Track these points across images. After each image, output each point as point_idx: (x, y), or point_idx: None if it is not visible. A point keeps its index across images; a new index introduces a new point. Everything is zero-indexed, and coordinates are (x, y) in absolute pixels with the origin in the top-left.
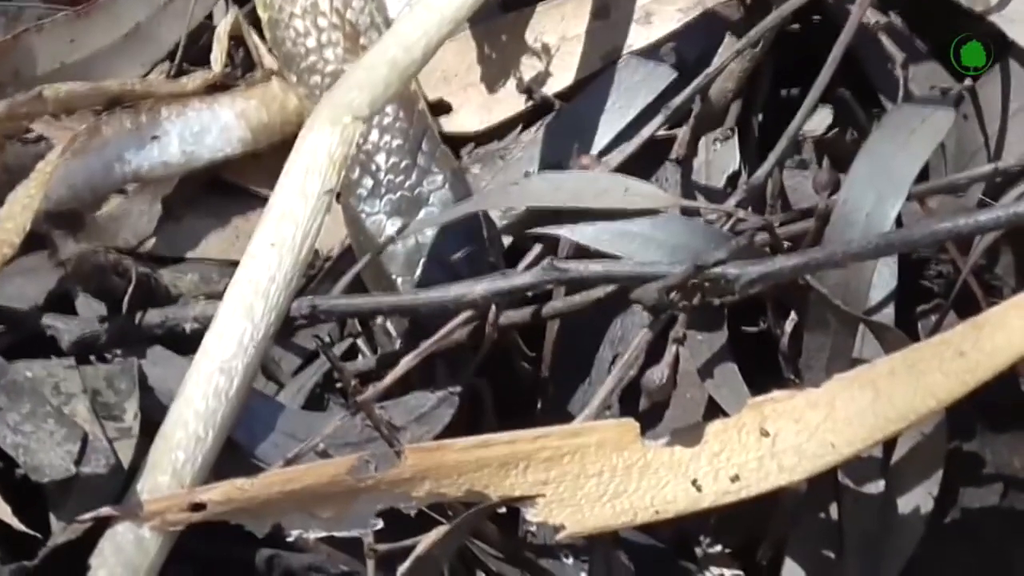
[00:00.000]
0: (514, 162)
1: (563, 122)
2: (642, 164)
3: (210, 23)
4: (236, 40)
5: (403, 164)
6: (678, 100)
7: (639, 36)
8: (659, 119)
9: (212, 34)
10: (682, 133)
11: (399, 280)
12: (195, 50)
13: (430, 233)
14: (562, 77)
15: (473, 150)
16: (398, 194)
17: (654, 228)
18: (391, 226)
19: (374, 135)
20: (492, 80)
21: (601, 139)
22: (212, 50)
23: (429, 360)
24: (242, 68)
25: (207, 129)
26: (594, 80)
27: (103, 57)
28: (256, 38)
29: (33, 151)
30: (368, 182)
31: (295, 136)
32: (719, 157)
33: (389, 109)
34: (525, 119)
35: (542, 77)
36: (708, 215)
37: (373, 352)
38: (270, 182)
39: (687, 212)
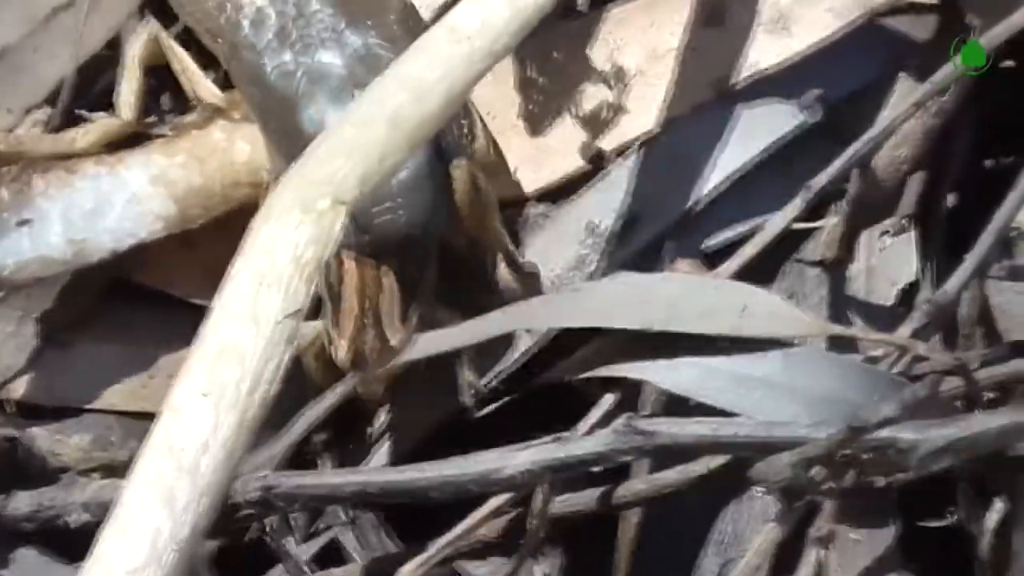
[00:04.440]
0: (549, 241)
1: (642, 187)
2: (769, 267)
3: (113, 52)
4: (155, 72)
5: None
6: (827, 173)
7: (769, 50)
8: (798, 200)
9: (118, 65)
10: (832, 222)
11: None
12: (94, 89)
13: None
14: (646, 114)
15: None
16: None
17: (787, 369)
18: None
19: None
20: (539, 120)
21: (705, 223)
22: (117, 87)
23: (445, 567)
24: (168, 111)
25: (106, 204)
26: (697, 121)
27: None
28: (187, 61)
29: None
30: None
31: (248, 205)
32: (888, 260)
33: None
34: (590, 177)
35: (614, 117)
36: (870, 349)
37: (361, 547)
38: (206, 287)
39: (837, 344)
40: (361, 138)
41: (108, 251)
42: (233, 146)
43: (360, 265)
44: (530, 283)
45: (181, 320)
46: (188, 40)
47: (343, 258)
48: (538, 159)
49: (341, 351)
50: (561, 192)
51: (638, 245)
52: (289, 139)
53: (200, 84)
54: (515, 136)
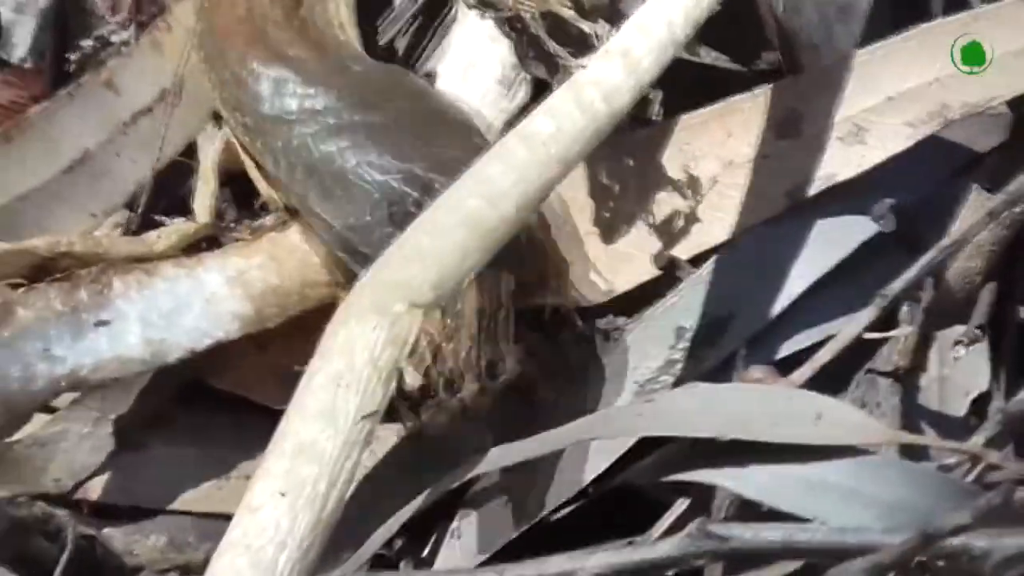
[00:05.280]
0: (635, 351)
1: (718, 296)
2: (842, 375)
3: (190, 158)
4: (232, 176)
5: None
6: (900, 282)
7: (845, 162)
8: (871, 309)
9: (195, 170)
10: (905, 331)
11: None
12: (172, 193)
13: None
14: (721, 223)
15: (577, 331)
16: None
17: (860, 476)
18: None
19: None
20: (613, 227)
21: (779, 330)
22: (194, 190)
23: None
24: (245, 214)
25: (185, 305)
26: (772, 230)
27: (33, 203)
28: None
29: None
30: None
31: (323, 306)
32: (960, 370)
33: None
34: (664, 286)
35: (688, 226)
36: (943, 458)
37: None
38: (282, 389)
39: (910, 453)
40: (436, 243)
41: (185, 351)
42: (310, 246)
43: (480, 279)
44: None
45: (256, 423)
46: None
47: None
48: (611, 266)
49: (456, 362)
50: (634, 301)
51: (721, 352)
52: (341, 194)
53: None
54: (588, 242)
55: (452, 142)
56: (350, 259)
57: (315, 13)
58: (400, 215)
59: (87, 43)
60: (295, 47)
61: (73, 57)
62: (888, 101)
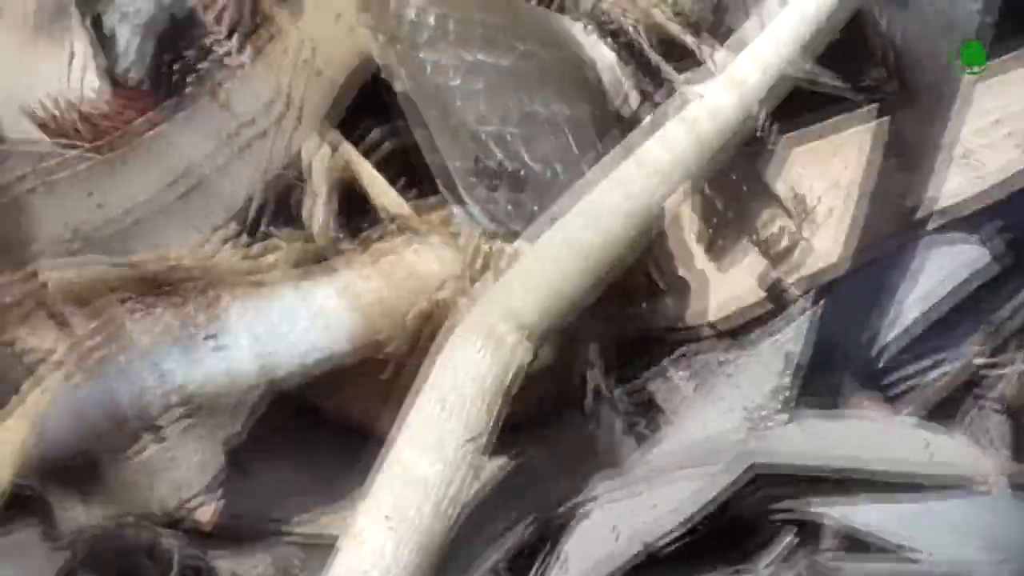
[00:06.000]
0: (743, 379)
1: (827, 324)
2: (951, 407)
3: (299, 169)
4: (342, 187)
5: None
6: (1008, 309)
7: (955, 184)
8: (980, 337)
9: (305, 181)
10: (1016, 362)
11: None
12: (281, 206)
13: None
14: (828, 245)
15: (680, 357)
16: None
17: (969, 511)
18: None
19: None
20: (720, 248)
21: (889, 359)
22: (305, 202)
23: None
24: (353, 226)
25: (294, 319)
26: (881, 256)
27: (142, 218)
28: (373, 173)
29: (23, 365)
30: None
31: (433, 325)
32: None
33: None
34: (772, 311)
35: (795, 247)
36: None
37: None
38: (389, 412)
39: (1021, 486)
40: (544, 267)
41: (295, 366)
42: (420, 259)
43: None
44: None
45: (363, 446)
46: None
47: None
48: (715, 287)
49: None
50: (739, 324)
51: (831, 380)
52: (444, 129)
53: (387, 196)
54: (691, 262)
55: (558, 99)
56: (450, 199)
57: None
58: (485, 168)
59: (192, 54)
60: None
61: (178, 69)
62: (995, 123)
